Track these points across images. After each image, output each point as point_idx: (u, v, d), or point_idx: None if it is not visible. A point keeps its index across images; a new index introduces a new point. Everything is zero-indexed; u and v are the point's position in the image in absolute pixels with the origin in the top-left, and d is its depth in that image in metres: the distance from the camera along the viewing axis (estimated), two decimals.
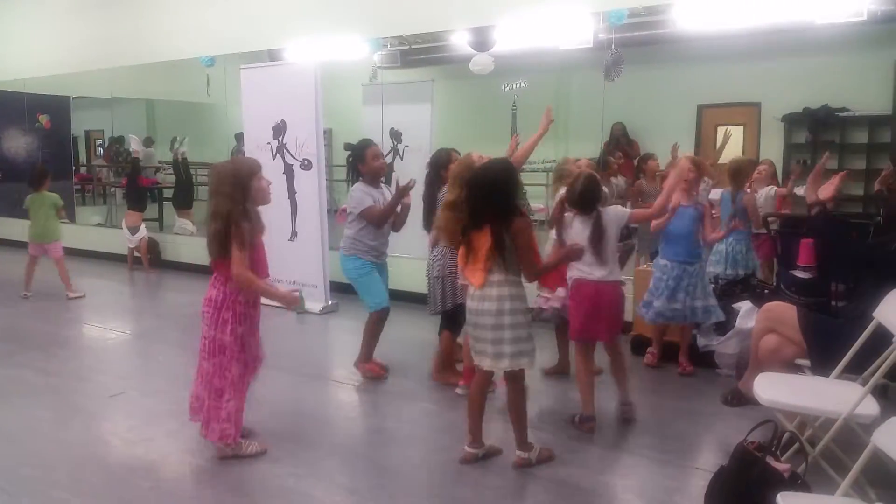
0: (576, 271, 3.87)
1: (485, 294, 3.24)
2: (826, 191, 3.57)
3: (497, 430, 3.70)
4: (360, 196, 4.54)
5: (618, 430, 3.91)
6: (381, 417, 4.17)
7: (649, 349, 4.95)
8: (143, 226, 8.88)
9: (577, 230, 3.80)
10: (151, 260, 8.80)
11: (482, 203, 3.21)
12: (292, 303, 3.63)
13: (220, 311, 3.41)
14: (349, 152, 4.72)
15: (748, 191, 5.63)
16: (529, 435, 3.46)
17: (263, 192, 3.40)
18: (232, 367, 3.43)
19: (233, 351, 3.42)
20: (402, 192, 4.47)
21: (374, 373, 4.69)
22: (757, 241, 5.60)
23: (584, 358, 3.91)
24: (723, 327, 4.71)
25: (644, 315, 4.71)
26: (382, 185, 4.74)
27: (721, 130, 8.96)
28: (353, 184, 4.71)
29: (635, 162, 8.10)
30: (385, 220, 4.55)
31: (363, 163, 4.59)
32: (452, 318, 4.49)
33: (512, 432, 3.44)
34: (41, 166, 8.14)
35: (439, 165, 4.49)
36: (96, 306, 7.44)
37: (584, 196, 3.78)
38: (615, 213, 3.85)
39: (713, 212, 5.45)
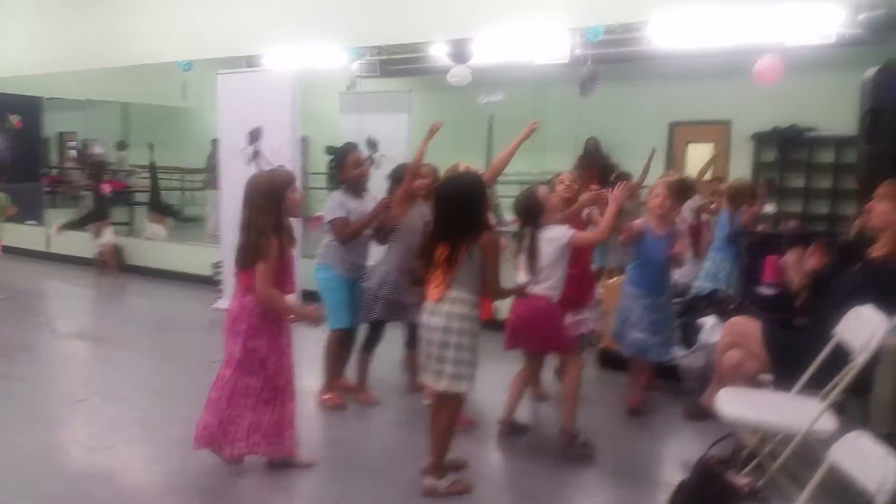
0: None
1: (436, 309, 3.14)
2: (812, 262, 3.62)
3: (461, 443, 3.65)
4: (333, 206, 4.24)
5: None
6: (349, 428, 4.15)
7: (632, 395, 4.41)
8: (108, 231, 8.71)
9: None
10: (115, 265, 8.65)
11: (447, 215, 3.13)
12: (317, 319, 3.47)
13: (236, 322, 3.31)
14: (332, 157, 4.49)
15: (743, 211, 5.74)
16: (491, 448, 3.44)
17: (297, 204, 3.34)
18: (238, 380, 3.33)
19: (242, 364, 3.31)
20: (380, 208, 4.18)
21: (332, 403, 4.39)
22: None
23: (524, 367, 4.00)
24: (688, 341, 4.74)
25: (622, 348, 4.46)
26: (366, 194, 4.43)
27: (692, 147, 9.13)
28: (332, 191, 4.46)
29: (611, 179, 8.18)
30: (352, 237, 4.22)
31: (342, 169, 4.31)
32: (372, 334, 4.40)
33: (477, 447, 3.43)
34: None
35: (398, 178, 4.32)
36: (62, 310, 7.34)
37: (521, 209, 3.79)
38: (556, 233, 3.74)
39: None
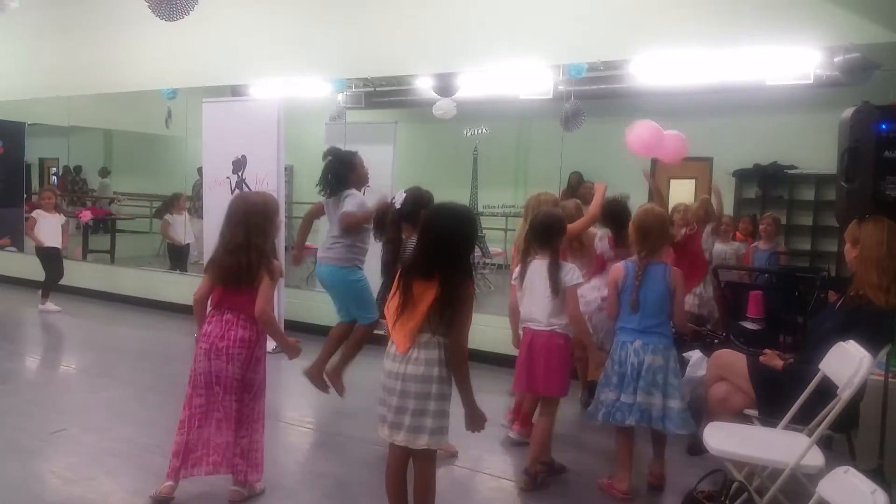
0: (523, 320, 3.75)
1: (410, 356, 2.78)
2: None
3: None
4: (361, 202, 4.56)
5: (569, 477, 3.89)
6: (333, 463, 4.08)
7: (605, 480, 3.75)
8: None
9: (535, 270, 3.66)
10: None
11: (438, 248, 2.79)
12: (295, 353, 3.55)
13: (254, 349, 3.34)
14: (331, 157, 4.69)
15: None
16: None
17: (279, 228, 3.49)
18: (260, 402, 3.43)
19: (261, 387, 3.42)
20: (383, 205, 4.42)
21: (341, 389, 4.68)
22: None
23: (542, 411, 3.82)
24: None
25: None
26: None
27: (674, 183, 9.26)
28: (334, 190, 4.65)
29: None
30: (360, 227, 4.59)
31: (354, 170, 4.65)
32: None
33: None
34: None
35: (421, 206, 4.01)
36: (41, 338, 7.22)
37: (544, 230, 3.64)
38: (566, 271, 3.63)
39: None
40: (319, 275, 4.72)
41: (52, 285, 8.06)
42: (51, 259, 8.01)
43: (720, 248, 6.29)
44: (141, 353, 6.45)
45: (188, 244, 9.08)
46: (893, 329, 3.30)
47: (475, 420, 2.85)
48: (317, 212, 4.99)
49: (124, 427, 4.42)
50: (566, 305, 3.62)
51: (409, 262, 2.88)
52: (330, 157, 4.69)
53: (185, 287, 7.88)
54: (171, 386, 5.32)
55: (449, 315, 2.73)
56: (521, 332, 3.86)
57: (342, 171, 4.63)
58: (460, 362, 2.82)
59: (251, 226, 3.22)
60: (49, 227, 7.86)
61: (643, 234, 3.57)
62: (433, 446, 2.81)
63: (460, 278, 2.76)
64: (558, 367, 3.65)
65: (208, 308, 3.39)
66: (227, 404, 3.31)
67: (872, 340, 3.07)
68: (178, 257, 9.02)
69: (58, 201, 7.88)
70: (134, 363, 6.15)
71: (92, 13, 8.57)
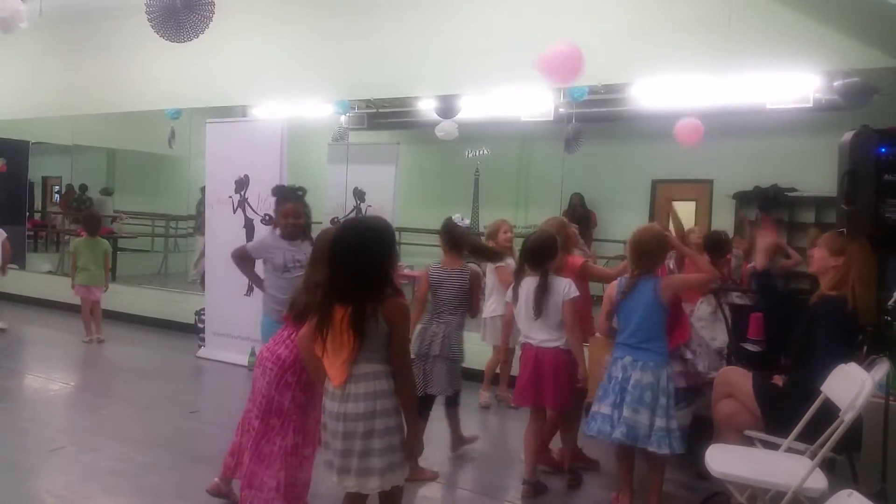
0: (521, 336, 3.89)
1: (349, 392, 2.54)
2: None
3: None
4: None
5: (571, 499, 3.87)
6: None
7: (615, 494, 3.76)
8: None
9: (526, 288, 3.76)
10: None
11: (345, 269, 2.53)
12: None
13: (286, 372, 3.10)
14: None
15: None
16: None
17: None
18: (287, 436, 3.09)
19: (291, 418, 3.09)
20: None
21: None
22: None
23: (533, 422, 3.88)
24: (675, 397, 4.72)
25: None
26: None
27: (676, 205, 9.29)
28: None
29: (592, 232, 8.33)
30: None
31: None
32: (427, 405, 4.10)
33: None
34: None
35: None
36: (40, 356, 7.20)
37: (535, 251, 3.75)
38: (563, 286, 3.72)
39: None
40: None
41: None
42: None
43: None
44: (141, 372, 6.42)
45: None
46: (891, 343, 3.32)
47: (415, 448, 2.65)
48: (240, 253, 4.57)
49: (123, 446, 4.40)
50: (564, 319, 3.71)
51: (327, 287, 2.59)
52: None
53: (184, 306, 7.88)
54: (170, 405, 5.31)
55: (374, 339, 2.52)
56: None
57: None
58: (406, 385, 2.63)
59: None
60: None
61: (639, 251, 3.58)
62: (385, 487, 2.55)
63: (381, 297, 2.53)
64: (568, 382, 3.73)
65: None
66: (249, 419, 3.28)
67: (834, 331, 3.31)
68: None
69: None
70: (133, 381, 6.12)
71: (97, 34, 8.63)
